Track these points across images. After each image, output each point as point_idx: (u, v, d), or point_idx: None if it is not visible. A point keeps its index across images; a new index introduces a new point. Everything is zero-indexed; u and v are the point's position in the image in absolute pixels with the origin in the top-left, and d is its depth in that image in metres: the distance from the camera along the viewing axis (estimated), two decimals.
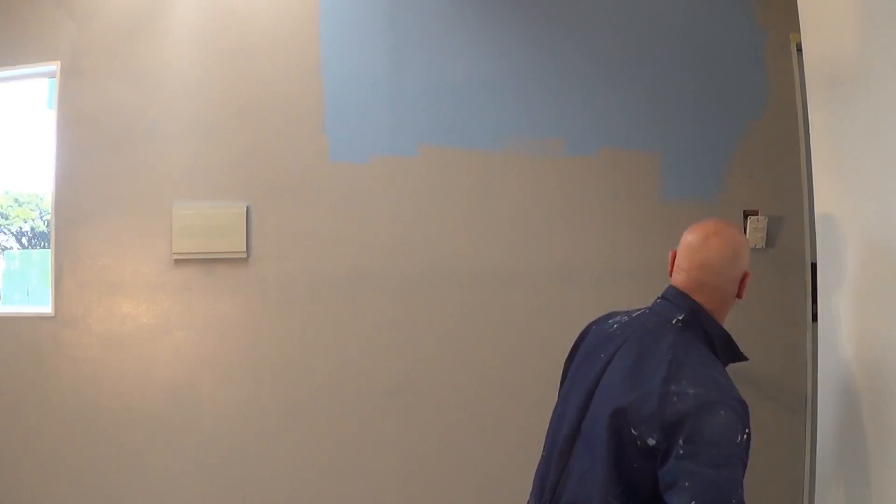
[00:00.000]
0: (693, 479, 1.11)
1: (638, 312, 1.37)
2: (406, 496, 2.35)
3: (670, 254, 1.36)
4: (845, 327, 1.46)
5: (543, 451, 1.40)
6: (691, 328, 1.26)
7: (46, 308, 2.48)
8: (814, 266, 1.67)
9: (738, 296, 1.31)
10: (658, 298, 1.35)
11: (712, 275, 1.27)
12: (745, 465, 1.17)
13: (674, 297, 1.30)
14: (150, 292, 2.44)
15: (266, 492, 2.38)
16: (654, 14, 2.33)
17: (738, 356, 1.34)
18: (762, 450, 2.20)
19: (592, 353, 1.36)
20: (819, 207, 1.60)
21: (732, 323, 2.23)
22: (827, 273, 1.55)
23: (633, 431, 1.17)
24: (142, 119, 2.47)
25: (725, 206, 2.26)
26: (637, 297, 2.25)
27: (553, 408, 1.43)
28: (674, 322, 1.26)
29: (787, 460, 2.20)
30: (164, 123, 2.46)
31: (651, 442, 1.15)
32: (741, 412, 1.18)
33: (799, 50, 2.16)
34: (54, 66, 2.49)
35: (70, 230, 2.46)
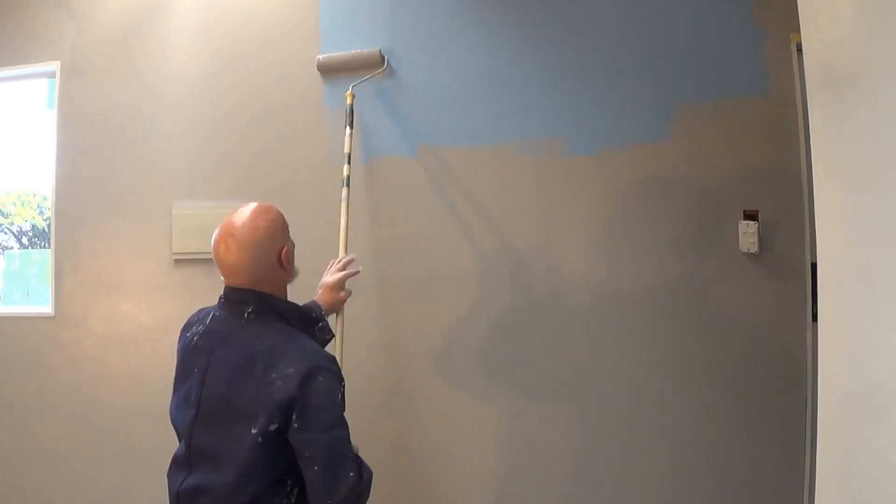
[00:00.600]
0: (312, 446, 1.24)
1: (209, 318, 1.44)
2: (406, 496, 2.35)
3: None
4: (845, 327, 1.46)
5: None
6: (264, 314, 1.36)
7: (46, 308, 2.49)
8: (814, 266, 1.67)
9: (286, 270, 1.42)
10: (220, 300, 1.43)
11: (247, 272, 1.36)
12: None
13: (234, 295, 1.38)
14: (150, 292, 2.44)
15: None
16: (653, 14, 2.33)
17: (315, 321, 1.46)
18: (762, 450, 2.21)
19: (188, 368, 1.41)
20: (819, 207, 1.59)
21: (733, 323, 2.24)
22: (827, 273, 1.55)
23: (252, 431, 1.25)
24: (142, 119, 2.47)
25: (725, 206, 2.26)
26: (638, 296, 2.26)
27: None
28: (245, 316, 1.35)
29: (787, 460, 2.20)
30: (164, 123, 2.46)
31: (272, 427, 1.24)
32: (335, 369, 1.32)
33: (799, 50, 2.16)
34: (54, 66, 2.50)
35: (70, 230, 2.46)
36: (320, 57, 2.38)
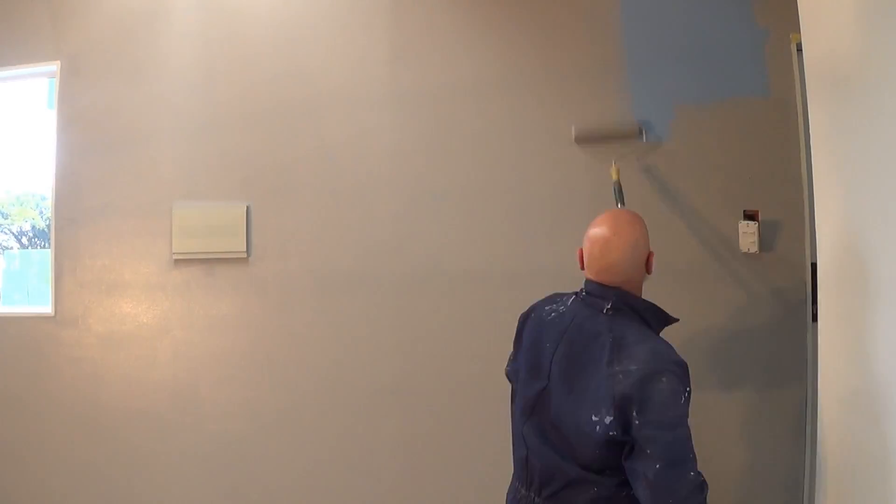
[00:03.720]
0: (653, 444, 1.23)
1: (571, 301, 1.51)
2: (406, 495, 2.35)
3: (578, 251, 1.52)
4: (845, 327, 1.46)
5: (513, 437, 1.53)
6: (621, 312, 1.40)
7: (46, 308, 2.49)
8: (814, 266, 1.67)
9: (648, 272, 1.47)
10: (583, 292, 1.48)
11: (621, 272, 1.42)
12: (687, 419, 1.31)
13: (597, 291, 1.43)
14: (150, 292, 2.44)
15: (266, 491, 2.38)
16: (653, 14, 2.33)
17: (670, 319, 1.47)
18: (762, 450, 2.21)
19: (538, 343, 1.49)
20: (819, 207, 1.60)
21: (733, 322, 2.24)
22: (827, 273, 1.55)
23: (593, 417, 1.29)
24: (142, 119, 2.47)
25: (725, 206, 2.26)
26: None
27: (512, 394, 1.56)
28: (604, 311, 1.40)
29: (787, 461, 2.20)
30: (164, 123, 2.46)
31: (608, 420, 1.27)
32: (680, 373, 1.30)
33: (799, 50, 2.16)
34: (54, 66, 2.50)
35: (70, 230, 2.46)
36: (577, 127, 2.29)
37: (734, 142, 2.27)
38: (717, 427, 2.22)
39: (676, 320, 1.48)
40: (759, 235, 2.19)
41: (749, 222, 2.21)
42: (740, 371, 2.23)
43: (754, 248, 2.19)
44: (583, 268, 1.50)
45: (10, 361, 2.46)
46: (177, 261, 2.43)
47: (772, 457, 2.22)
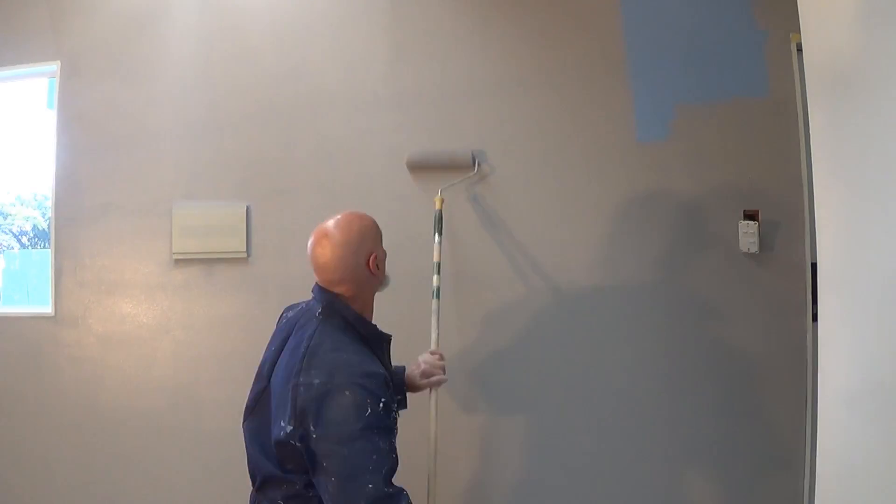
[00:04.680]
0: (329, 458, 1.25)
1: (298, 307, 1.56)
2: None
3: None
4: (845, 327, 1.46)
5: None
6: (331, 317, 1.41)
7: (46, 308, 2.49)
8: (814, 266, 1.67)
9: (374, 275, 1.46)
10: (311, 299, 1.50)
11: (334, 272, 1.41)
12: (389, 430, 1.34)
13: (316, 293, 1.46)
14: (150, 292, 2.44)
15: None
16: (654, 14, 2.33)
17: (383, 335, 1.50)
18: (762, 450, 2.21)
19: (269, 345, 1.54)
20: (819, 207, 1.59)
21: (733, 322, 2.24)
22: (827, 273, 1.55)
23: (281, 423, 1.32)
24: (142, 119, 2.47)
25: (725, 206, 2.26)
26: (638, 295, 2.26)
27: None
28: (317, 314, 1.42)
29: (787, 460, 2.20)
30: (164, 123, 2.46)
31: (288, 429, 1.29)
32: (370, 386, 1.30)
33: (799, 50, 2.16)
34: (54, 66, 2.50)
35: (70, 230, 2.46)
36: (411, 154, 2.33)
37: (734, 142, 2.28)
38: (716, 427, 2.22)
39: (389, 336, 1.53)
40: (759, 235, 2.19)
41: (749, 222, 2.21)
42: (740, 371, 2.23)
43: (754, 248, 2.19)
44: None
45: (10, 361, 2.46)
46: (177, 261, 2.43)
47: (772, 457, 2.22)
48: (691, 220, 2.29)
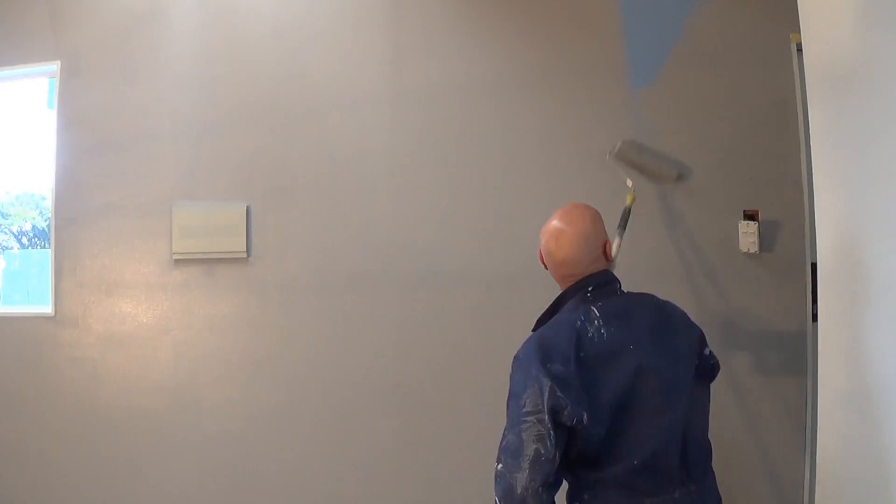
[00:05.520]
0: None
1: (590, 311, 1.39)
2: (406, 496, 2.35)
3: (538, 253, 1.52)
4: (845, 327, 1.46)
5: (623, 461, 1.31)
6: (621, 288, 1.47)
7: (46, 308, 2.48)
8: (814, 266, 1.67)
9: (607, 259, 1.49)
10: (589, 289, 1.43)
11: (579, 262, 1.43)
12: None
13: (602, 277, 1.45)
14: (150, 292, 2.44)
15: (266, 492, 2.38)
16: (654, 14, 2.33)
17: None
18: (762, 449, 2.21)
19: (622, 369, 1.32)
20: (819, 207, 1.60)
21: (733, 322, 2.24)
22: (827, 273, 1.55)
23: (704, 352, 1.41)
24: (142, 119, 2.47)
25: (725, 206, 2.26)
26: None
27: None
28: (618, 290, 1.46)
29: (787, 460, 2.20)
30: (164, 123, 2.46)
31: (707, 351, 1.42)
32: (521, 359, 1.37)
33: (799, 50, 2.16)
34: (54, 66, 2.49)
35: (70, 230, 2.46)
36: (624, 141, 2.15)
37: (734, 142, 2.28)
38: (716, 427, 2.22)
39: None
40: (759, 235, 2.19)
41: (749, 222, 2.21)
42: (740, 371, 2.23)
43: (754, 248, 2.19)
44: (546, 267, 1.51)
45: (10, 361, 2.46)
46: (177, 261, 2.43)
47: (772, 456, 2.22)
48: (691, 219, 2.29)
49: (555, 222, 1.47)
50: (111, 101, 2.48)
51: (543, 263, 1.51)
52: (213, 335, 2.42)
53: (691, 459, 1.33)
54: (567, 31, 2.36)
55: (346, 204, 2.41)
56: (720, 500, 1.37)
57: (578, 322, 1.37)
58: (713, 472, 1.40)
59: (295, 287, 2.41)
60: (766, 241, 2.23)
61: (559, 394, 1.25)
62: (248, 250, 2.42)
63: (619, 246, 1.92)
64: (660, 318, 1.41)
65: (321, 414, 2.38)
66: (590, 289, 1.43)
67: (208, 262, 2.43)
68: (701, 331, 1.43)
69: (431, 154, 2.40)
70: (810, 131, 1.63)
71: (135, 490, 2.40)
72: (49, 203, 2.53)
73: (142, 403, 2.42)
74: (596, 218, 1.48)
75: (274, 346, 2.40)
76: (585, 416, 1.24)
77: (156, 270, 2.45)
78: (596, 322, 1.37)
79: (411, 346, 2.38)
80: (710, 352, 1.43)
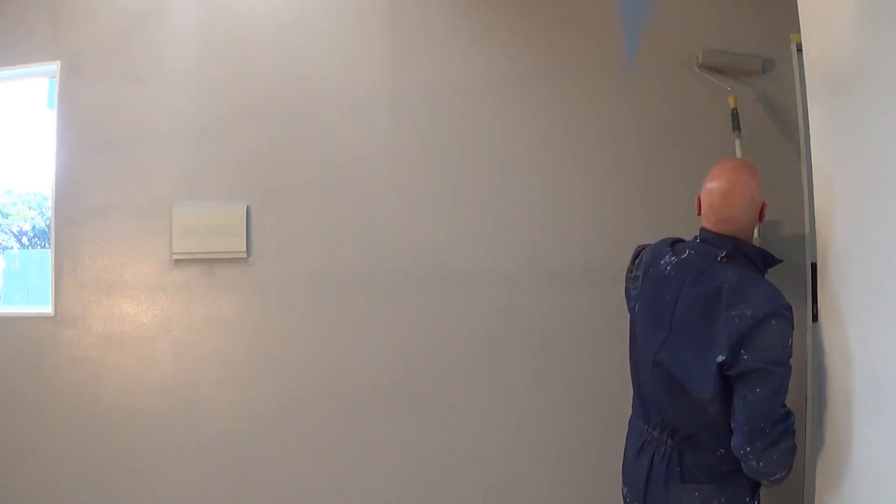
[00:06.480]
0: (760, 373, 1.39)
1: (685, 253, 1.60)
2: (405, 495, 2.35)
3: (696, 198, 1.61)
4: (845, 327, 1.46)
5: (632, 379, 1.74)
6: (734, 259, 1.51)
7: (46, 308, 2.48)
8: (814, 266, 1.67)
9: (760, 221, 1.57)
10: (698, 239, 1.59)
11: (737, 221, 1.52)
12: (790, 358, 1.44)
13: (713, 239, 1.54)
14: (150, 292, 2.44)
15: (265, 491, 2.38)
16: (653, 14, 2.33)
17: (776, 260, 1.59)
18: None
19: (658, 295, 1.61)
20: (819, 207, 1.60)
21: None
22: (827, 273, 1.55)
23: (713, 358, 1.43)
24: (142, 119, 2.47)
25: None
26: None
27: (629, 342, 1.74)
28: (719, 259, 1.51)
29: None
30: (164, 123, 2.46)
31: (720, 359, 1.42)
32: (789, 317, 1.43)
33: (799, 50, 2.16)
34: (54, 66, 2.49)
35: (70, 230, 2.46)
36: (704, 50, 2.28)
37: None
38: None
39: (781, 261, 1.61)
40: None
41: None
42: None
43: None
44: (699, 214, 1.59)
45: (10, 361, 2.46)
46: (177, 261, 2.43)
47: None
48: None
49: (721, 181, 1.52)
50: (111, 101, 2.48)
51: (698, 207, 1.60)
52: (213, 335, 2.42)
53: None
54: (566, 31, 2.37)
55: (346, 204, 2.41)
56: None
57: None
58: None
59: (295, 287, 2.41)
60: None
61: None
62: (248, 250, 2.42)
63: (742, 146, 2.11)
64: (705, 297, 1.48)
65: (321, 414, 2.38)
66: (699, 240, 1.58)
67: (208, 262, 2.43)
68: (743, 337, 1.40)
69: (431, 154, 2.40)
70: (810, 131, 1.63)
71: (134, 490, 2.40)
72: (49, 203, 2.53)
73: (141, 404, 2.42)
74: (760, 181, 1.54)
75: (274, 346, 2.40)
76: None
77: (156, 270, 2.45)
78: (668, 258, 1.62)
79: (411, 346, 2.38)
80: (728, 361, 1.41)
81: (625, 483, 1.72)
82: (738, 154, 2.15)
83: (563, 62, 2.36)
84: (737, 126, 2.16)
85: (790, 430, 1.42)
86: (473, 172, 2.38)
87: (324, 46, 2.45)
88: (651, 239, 1.86)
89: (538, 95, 2.36)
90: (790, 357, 1.42)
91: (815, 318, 2.05)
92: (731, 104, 2.19)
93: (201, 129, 2.45)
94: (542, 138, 2.35)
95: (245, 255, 2.42)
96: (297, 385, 2.39)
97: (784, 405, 1.43)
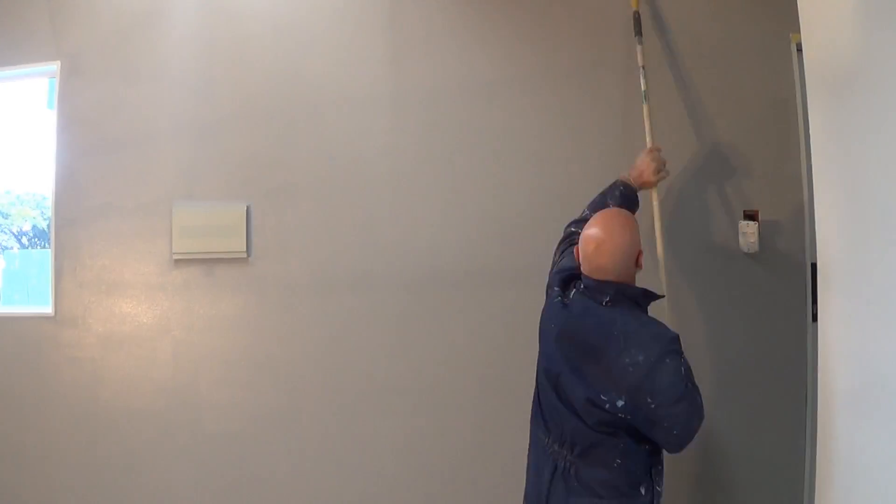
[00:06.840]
0: (670, 418, 1.45)
1: (573, 292, 1.64)
2: (407, 496, 2.35)
3: (574, 250, 1.66)
4: (845, 327, 1.46)
5: (535, 386, 1.76)
6: (619, 301, 1.55)
7: (46, 308, 2.48)
8: (814, 266, 1.67)
9: (638, 267, 1.61)
10: (581, 286, 1.62)
11: (612, 271, 1.56)
12: (689, 368, 1.51)
13: (594, 286, 1.58)
14: (150, 292, 2.44)
15: (265, 492, 2.38)
16: (653, 14, 2.33)
17: (656, 296, 1.63)
18: (763, 449, 2.21)
19: (546, 325, 1.69)
20: (819, 207, 1.59)
21: (733, 322, 2.24)
22: (827, 273, 1.55)
23: (602, 397, 1.49)
24: (142, 119, 2.47)
25: (725, 206, 2.27)
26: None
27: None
28: (604, 304, 1.56)
29: (787, 460, 2.20)
30: (164, 123, 2.46)
31: (619, 403, 1.47)
32: (678, 347, 1.50)
33: (799, 50, 2.16)
34: (54, 66, 2.50)
35: (70, 230, 2.46)
36: None
37: (734, 142, 2.28)
38: (717, 427, 2.22)
39: (662, 296, 1.67)
40: (759, 235, 2.19)
41: (749, 222, 2.21)
42: (740, 371, 2.23)
43: (754, 248, 2.19)
44: (579, 264, 1.63)
45: (10, 361, 2.46)
46: (177, 261, 2.43)
47: (772, 456, 2.22)
48: (691, 219, 2.29)
49: (596, 230, 1.57)
50: (111, 101, 2.48)
51: (577, 259, 1.64)
52: (213, 335, 2.42)
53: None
54: (567, 30, 2.37)
55: (346, 204, 2.41)
56: None
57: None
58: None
59: (295, 287, 2.41)
60: (766, 241, 2.23)
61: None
62: (248, 250, 2.42)
63: (643, 53, 2.07)
64: (593, 344, 1.54)
65: (321, 414, 2.38)
66: (583, 286, 1.61)
67: (208, 262, 2.43)
68: (641, 385, 1.45)
69: (431, 154, 2.40)
70: (810, 131, 1.63)
71: (134, 490, 2.40)
72: (49, 203, 2.53)
73: (141, 404, 2.42)
74: (635, 231, 1.59)
75: (274, 346, 2.40)
76: None
77: (156, 270, 2.45)
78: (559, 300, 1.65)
79: (412, 346, 2.38)
80: (629, 406, 1.47)
81: (525, 498, 1.74)
82: (639, 61, 2.10)
83: (564, 61, 2.35)
84: (638, 31, 2.10)
85: (698, 400, 1.50)
86: (473, 172, 2.38)
87: (324, 46, 2.45)
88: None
89: (538, 95, 2.36)
90: (690, 378, 1.48)
91: (814, 318, 2.05)
92: (633, 5, 2.12)
93: (201, 129, 2.45)
94: (542, 138, 2.35)
95: (245, 255, 2.42)
96: (297, 385, 2.39)
97: (696, 403, 1.49)
